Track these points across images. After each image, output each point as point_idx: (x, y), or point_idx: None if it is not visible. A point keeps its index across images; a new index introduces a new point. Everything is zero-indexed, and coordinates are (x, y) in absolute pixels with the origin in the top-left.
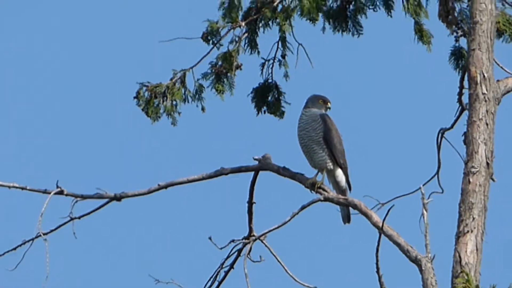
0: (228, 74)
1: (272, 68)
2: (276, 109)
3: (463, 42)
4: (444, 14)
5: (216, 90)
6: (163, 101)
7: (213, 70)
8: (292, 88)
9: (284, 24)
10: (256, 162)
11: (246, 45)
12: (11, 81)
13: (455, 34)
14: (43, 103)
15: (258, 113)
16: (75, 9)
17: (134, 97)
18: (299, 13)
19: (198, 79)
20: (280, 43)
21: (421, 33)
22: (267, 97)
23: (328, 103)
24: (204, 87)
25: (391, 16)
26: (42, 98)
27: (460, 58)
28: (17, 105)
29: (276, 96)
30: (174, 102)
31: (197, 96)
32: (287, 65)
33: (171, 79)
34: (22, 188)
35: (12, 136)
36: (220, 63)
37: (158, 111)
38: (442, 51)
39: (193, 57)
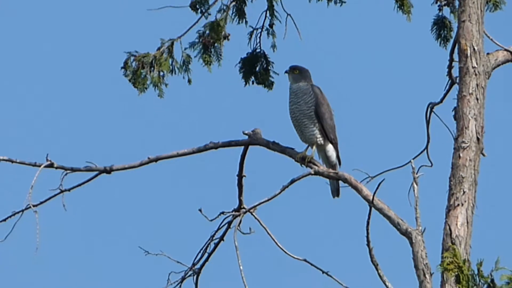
0: (216, 45)
1: (260, 37)
2: (264, 79)
3: (446, 12)
4: None
5: (204, 61)
6: (150, 72)
7: (201, 40)
8: (280, 59)
9: None
10: (246, 137)
11: (234, 14)
12: None
13: (439, 3)
14: (32, 77)
15: (246, 83)
16: None
17: (122, 67)
18: None
19: (185, 48)
20: (268, 12)
21: (401, 2)
22: (255, 67)
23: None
24: (191, 58)
25: None
26: (31, 72)
27: (443, 28)
28: (7, 80)
29: (265, 66)
30: (161, 73)
31: (184, 67)
32: (275, 35)
33: (159, 49)
34: (12, 161)
35: (2, 109)
36: (207, 32)
37: (145, 82)
38: (426, 22)
39: (181, 26)
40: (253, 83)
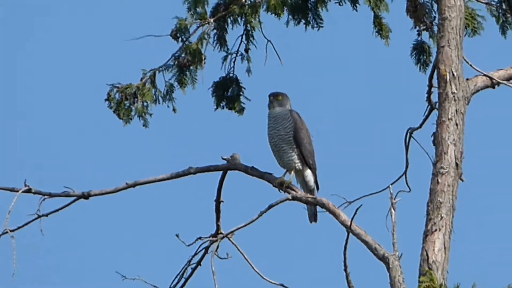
0: (191, 68)
1: (234, 62)
2: (235, 104)
3: (424, 36)
4: (412, 9)
5: (179, 83)
6: (134, 103)
7: (176, 63)
8: (256, 84)
9: (251, 20)
10: (225, 162)
11: (215, 42)
12: None
13: (418, 28)
14: (13, 102)
15: (217, 107)
16: (45, 8)
17: (106, 100)
18: (264, 7)
19: (159, 70)
20: (244, 36)
21: (380, 27)
22: (227, 92)
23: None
24: (174, 87)
25: (356, 10)
26: (12, 97)
27: (422, 53)
28: None
29: (236, 91)
30: (145, 104)
31: (167, 96)
32: (251, 60)
33: (141, 79)
34: None
35: None
36: (183, 55)
37: (130, 113)
38: (405, 47)
39: (162, 55)
40: (223, 107)
